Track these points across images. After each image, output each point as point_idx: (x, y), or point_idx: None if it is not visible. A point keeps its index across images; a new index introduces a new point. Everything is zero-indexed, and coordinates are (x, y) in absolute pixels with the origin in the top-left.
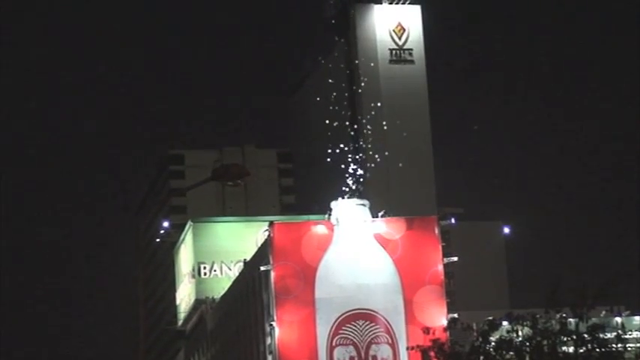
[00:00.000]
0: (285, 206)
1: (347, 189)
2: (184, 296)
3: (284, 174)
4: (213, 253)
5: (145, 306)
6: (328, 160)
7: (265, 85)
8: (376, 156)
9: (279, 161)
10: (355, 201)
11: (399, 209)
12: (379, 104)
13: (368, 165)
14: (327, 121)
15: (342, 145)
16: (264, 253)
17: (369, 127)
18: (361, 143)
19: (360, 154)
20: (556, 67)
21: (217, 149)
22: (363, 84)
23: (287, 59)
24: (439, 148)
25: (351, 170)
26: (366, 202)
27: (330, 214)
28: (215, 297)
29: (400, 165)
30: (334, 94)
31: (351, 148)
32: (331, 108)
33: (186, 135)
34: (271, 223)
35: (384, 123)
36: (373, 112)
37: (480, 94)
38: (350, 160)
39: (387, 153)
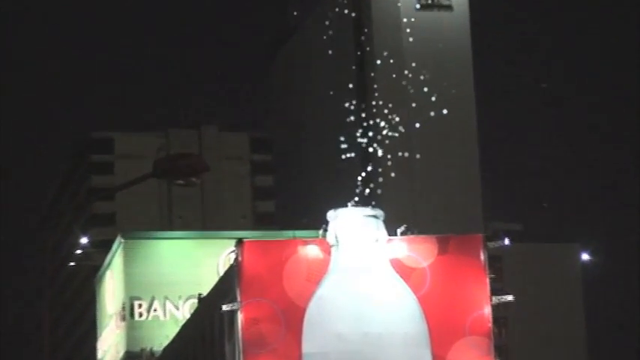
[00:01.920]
0: (261, 216)
1: (351, 192)
2: (110, 347)
3: (260, 169)
4: (154, 285)
5: None
6: (324, 149)
7: (235, 42)
8: (395, 145)
9: (252, 150)
10: (363, 210)
11: (427, 223)
12: (400, 67)
13: (382, 158)
14: (324, 93)
15: (345, 128)
16: (228, 285)
17: (384, 101)
18: (373, 124)
19: (372, 143)
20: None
21: (162, 132)
22: (377, 38)
23: (267, 8)
24: (487, 132)
25: (357, 165)
26: (379, 212)
27: (325, 230)
28: (155, 349)
29: (430, 157)
30: (330, 45)
31: (359, 133)
32: (329, 75)
33: (118, 112)
34: (239, 242)
35: (408, 93)
36: (392, 82)
37: (544, 53)
38: (356, 149)
39: (410, 139)
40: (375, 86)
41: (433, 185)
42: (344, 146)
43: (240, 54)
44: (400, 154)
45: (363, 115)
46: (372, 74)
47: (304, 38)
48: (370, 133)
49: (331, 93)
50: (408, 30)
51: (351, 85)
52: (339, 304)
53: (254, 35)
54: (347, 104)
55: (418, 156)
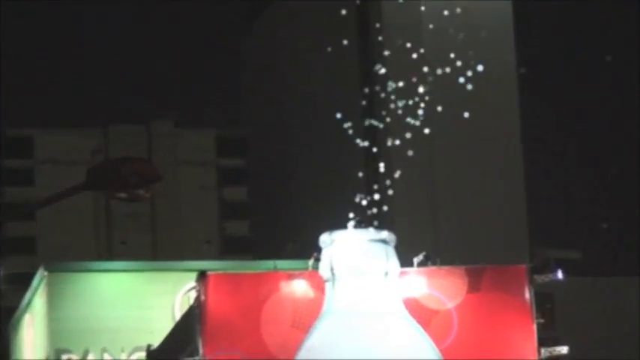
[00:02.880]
0: (232, 242)
1: (352, 209)
2: None
3: (229, 178)
4: (88, 333)
5: None
6: (316, 151)
7: (198, 9)
8: (409, 152)
9: (219, 153)
10: (368, 233)
11: (453, 250)
12: (418, 57)
13: (394, 162)
14: (315, 76)
15: (343, 126)
16: (187, 333)
17: (396, 97)
18: (381, 115)
19: (379, 142)
20: None
21: (99, 128)
22: (385, 23)
23: None
24: (534, 125)
25: (360, 172)
26: (388, 235)
27: (318, 259)
28: None
29: (456, 161)
30: (324, 14)
31: (362, 133)
32: (323, 52)
33: (40, 103)
34: (202, 275)
35: (427, 78)
36: (407, 63)
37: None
38: (358, 153)
39: (430, 137)
40: (384, 70)
41: (461, 199)
42: (343, 147)
43: (205, 24)
44: (418, 163)
45: (368, 103)
46: (383, 50)
47: (290, 3)
48: (378, 130)
49: (325, 73)
50: (433, 13)
51: (351, 82)
52: (336, 359)
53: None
54: (347, 89)
55: (441, 168)
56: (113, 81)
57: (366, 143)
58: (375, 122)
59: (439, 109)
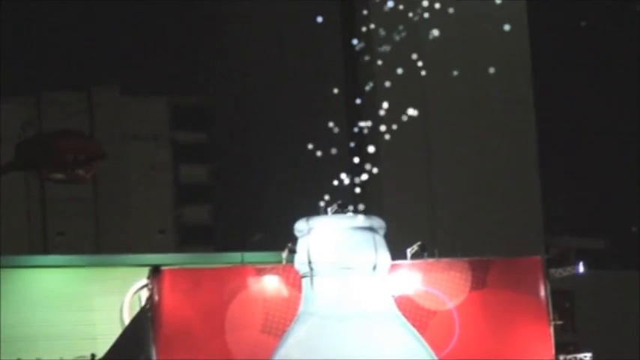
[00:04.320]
0: (190, 231)
1: (333, 190)
2: None
3: (186, 155)
4: (19, 340)
5: None
6: (290, 121)
7: None
8: (402, 113)
9: (174, 125)
10: (352, 219)
11: (453, 239)
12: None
13: (383, 134)
14: (287, 35)
15: (323, 84)
16: (138, 339)
17: (385, 42)
18: (367, 78)
19: (365, 110)
20: None
21: (30, 97)
22: None
23: None
24: (551, 108)
25: (342, 146)
26: (377, 221)
27: (293, 251)
28: None
29: (456, 134)
30: None
31: (344, 100)
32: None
33: None
34: (156, 271)
35: (423, 41)
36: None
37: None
38: (341, 121)
39: (426, 105)
40: (372, 26)
41: (463, 178)
42: (322, 116)
43: None
44: (411, 126)
45: (352, 61)
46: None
47: None
48: (364, 95)
49: (300, 26)
50: None
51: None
52: None
53: None
54: (328, 46)
55: (438, 140)
56: (47, 40)
57: (353, 112)
58: (349, 109)
59: (437, 68)
